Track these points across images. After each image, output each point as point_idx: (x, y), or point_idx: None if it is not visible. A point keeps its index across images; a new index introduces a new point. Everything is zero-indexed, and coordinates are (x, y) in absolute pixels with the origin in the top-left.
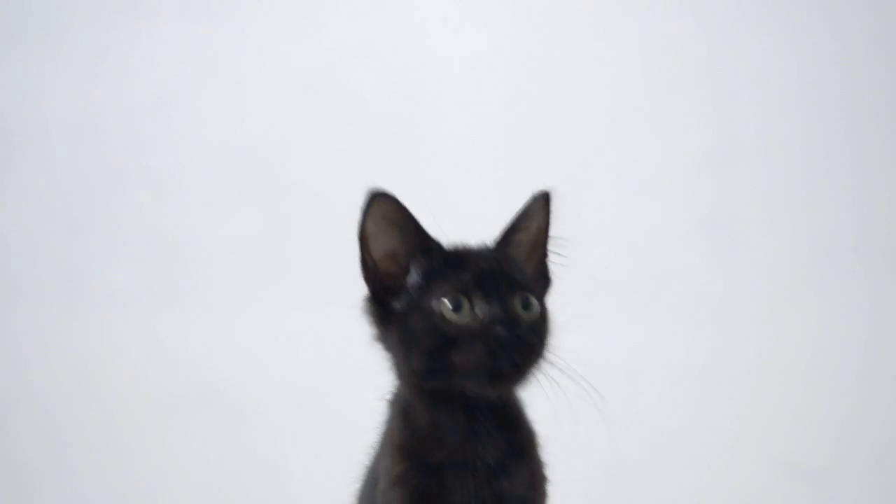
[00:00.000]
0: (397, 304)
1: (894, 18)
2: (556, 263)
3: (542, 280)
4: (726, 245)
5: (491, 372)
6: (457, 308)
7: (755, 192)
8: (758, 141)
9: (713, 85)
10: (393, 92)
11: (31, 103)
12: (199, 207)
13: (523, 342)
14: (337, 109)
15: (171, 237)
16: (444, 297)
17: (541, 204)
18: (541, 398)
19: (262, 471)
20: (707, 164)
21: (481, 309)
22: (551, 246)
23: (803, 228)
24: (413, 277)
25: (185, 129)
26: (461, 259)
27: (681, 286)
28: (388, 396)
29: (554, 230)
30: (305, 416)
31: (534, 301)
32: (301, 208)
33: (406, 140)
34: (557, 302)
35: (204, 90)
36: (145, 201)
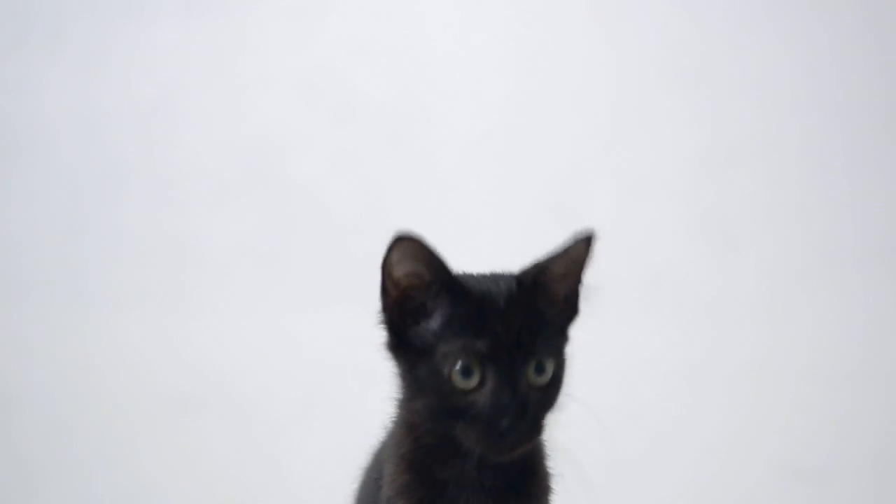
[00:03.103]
0: (413, 338)
1: (891, 19)
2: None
3: (567, 310)
4: (723, 246)
5: (488, 449)
6: (466, 374)
7: (752, 194)
8: (754, 142)
9: (710, 86)
10: (393, 92)
11: (35, 103)
12: (204, 207)
13: (526, 430)
14: (338, 109)
15: (177, 237)
16: (457, 359)
17: (583, 245)
18: None
19: (268, 469)
20: (704, 165)
21: (491, 384)
22: (584, 280)
23: (800, 230)
24: (432, 318)
25: (189, 128)
26: (483, 311)
27: (677, 287)
28: (396, 400)
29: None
30: (312, 415)
31: (548, 365)
32: (305, 208)
33: (406, 140)
34: None
35: (207, 90)
36: (150, 201)
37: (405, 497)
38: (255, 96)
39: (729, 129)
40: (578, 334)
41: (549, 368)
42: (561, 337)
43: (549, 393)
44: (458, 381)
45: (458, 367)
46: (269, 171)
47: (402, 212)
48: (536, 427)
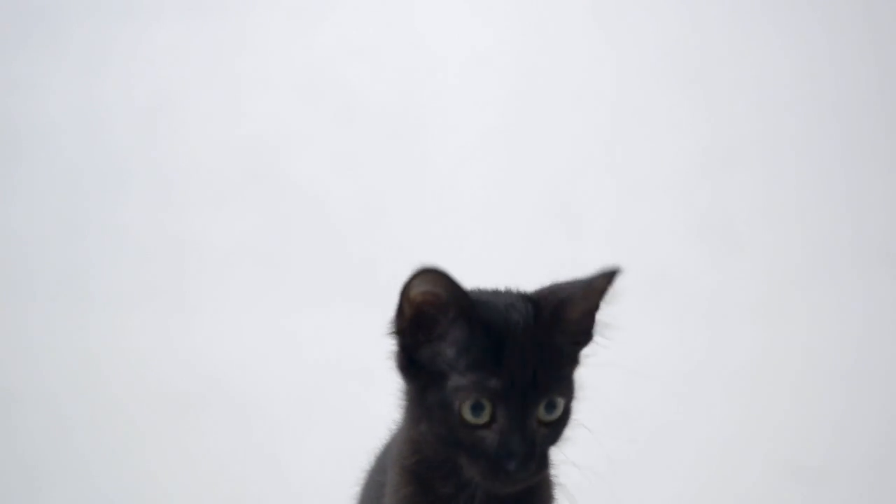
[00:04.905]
0: (424, 360)
1: (889, 20)
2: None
3: (582, 336)
4: (722, 246)
5: (492, 486)
6: (477, 411)
7: (751, 194)
8: (754, 142)
9: (709, 87)
10: (393, 92)
11: (36, 103)
12: (204, 207)
13: (532, 470)
14: (337, 110)
15: (177, 237)
16: (469, 396)
17: (606, 280)
18: None
19: (268, 469)
20: (704, 165)
21: (501, 424)
22: (601, 309)
23: (799, 230)
24: (446, 342)
25: (189, 128)
26: (500, 344)
27: (676, 287)
28: (401, 407)
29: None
30: (312, 415)
31: (559, 402)
32: (305, 208)
33: (406, 140)
34: None
35: (207, 90)
36: (150, 201)
37: None
38: (255, 96)
39: (729, 129)
40: None
41: (560, 405)
42: (573, 366)
43: (557, 428)
44: (468, 416)
45: (469, 403)
46: (269, 172)
47: (401, 213)
48: (542, 464)
